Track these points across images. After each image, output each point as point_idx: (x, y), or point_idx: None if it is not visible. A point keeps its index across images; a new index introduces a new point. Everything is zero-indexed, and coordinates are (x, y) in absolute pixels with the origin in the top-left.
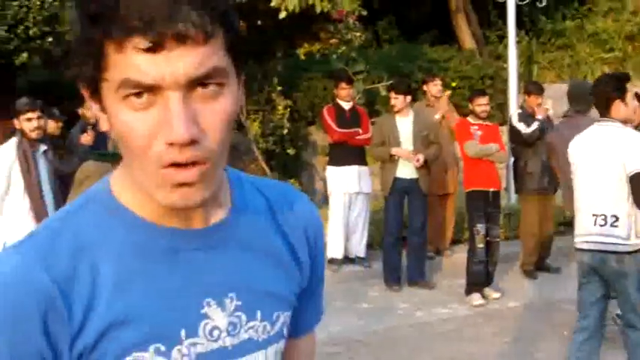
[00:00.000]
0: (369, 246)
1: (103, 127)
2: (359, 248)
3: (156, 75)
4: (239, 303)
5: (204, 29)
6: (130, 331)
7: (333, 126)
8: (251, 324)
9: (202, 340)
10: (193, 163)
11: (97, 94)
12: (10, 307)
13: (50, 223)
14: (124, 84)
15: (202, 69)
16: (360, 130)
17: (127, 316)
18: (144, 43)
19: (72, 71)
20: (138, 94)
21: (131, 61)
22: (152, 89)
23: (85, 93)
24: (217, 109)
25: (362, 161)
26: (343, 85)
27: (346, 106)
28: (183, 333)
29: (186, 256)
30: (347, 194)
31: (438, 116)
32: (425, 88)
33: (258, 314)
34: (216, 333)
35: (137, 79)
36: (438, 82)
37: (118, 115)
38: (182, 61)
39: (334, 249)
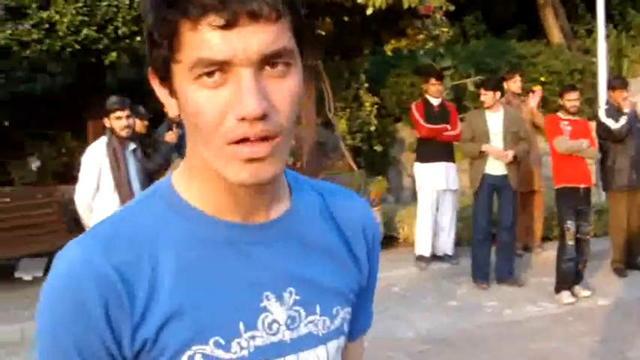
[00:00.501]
0: (457, 243)
1: (172, 112)
2: (447, 246)
3: (229, 51)
4: (298, 297)
5: (276, 7)
6: (191, 324)
7: (422, 122)
8: (310, 318)
9: (261, 333)
10: (264, 139)
11: (166, 80)
12: (72, 297)
13: (112, 216)
14: (197, 62)
15: (273, 47)
16: (449, 127)
17: (187, 309)
18: (218, 20)
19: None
20: (209, 74)
21: (205, 39)
22: (224, 68)
23: (154, 80)
24: (286, 87)
25: (450, 158)
26: (433, 80)
27: (435, 102)
28: (242, 326)
29: (245, 250)
30: (435, 191)
31: (533, 103)
32: (505, 85)
33: (318, 309)
34: (275, 327)
35: (211, 56)
36: (518, 78)
37: (189, 96)
38: (255, 38)
39: (422, 246)
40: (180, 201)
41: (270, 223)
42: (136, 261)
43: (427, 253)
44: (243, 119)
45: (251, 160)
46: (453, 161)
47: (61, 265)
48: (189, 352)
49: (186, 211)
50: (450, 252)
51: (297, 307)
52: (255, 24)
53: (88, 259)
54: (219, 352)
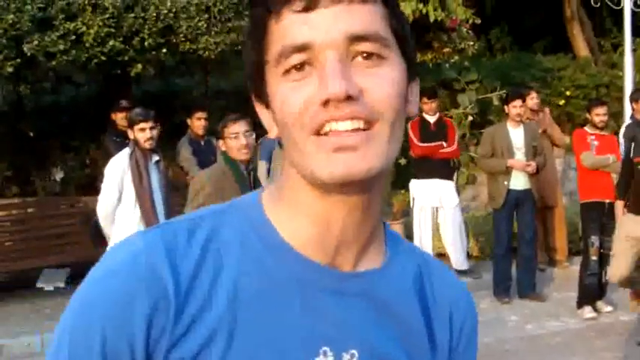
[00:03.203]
0: (479, 257)
1: (271, 133)
2: (459, 262)
3: (310, 33)
4: None
5: None
6: (232, 355)
7: (415, 141)
8: None
9: None
10: (356, 129)
11: (262, 93)
12: (116, 289)
13: (189, 218)
14: (282, 53)
15: (360, 28)
16: (445, 144)
17: (233, 337)
18: (298, 4)
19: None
20: (298, 68)
21: (287, 26)
22: (311, 58)
23: (253, 97)
24: (379, 74)
25: (446, 175)
26: (425, 99)
27: (431, 119)
28: None
29: (316, 295)
30: (429, 208)
31: (546, 121)
32: None
33: None
34: None
35: (291, 42)
36: (534, 95)
37: (278, 93)
38: (338, 18)
39: None
40: (263, 220)
41: (355, 274)
42: (199, 273)
43: None
44: (327, 102)
45: (339, 149)
46: (450, 179)
47: (121, 251)
48: None
49: (266, 233)
50: (462, 267)
51: None
52: (338, 4)
53: (147, 259)
54: None
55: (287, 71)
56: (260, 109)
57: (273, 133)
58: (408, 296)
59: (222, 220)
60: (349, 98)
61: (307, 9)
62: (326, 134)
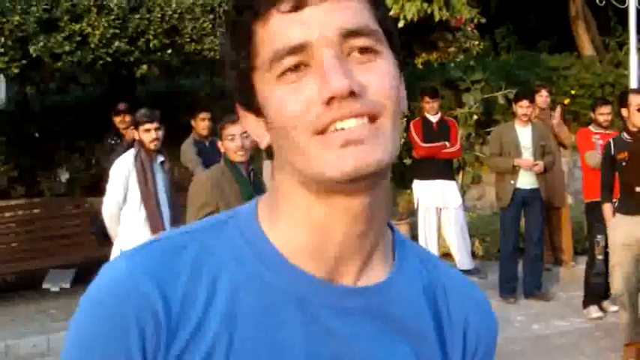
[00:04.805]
0: (485, 257)
1: (263, 144)
2: (462, 262)
3: (303, 32)
4: None
5: None
6: None
7: (418, 141)
8: None
9: None
10: (360, 126)
11: (251, 103)
12: (104, 320)
13: (177, 234)
14: (274, 57)
15: (353, 22)
16: (448, 144)
17: (229, 357)
18: (286, 4)
19: (232, 88)
20: (293, 69)
21: (277, 29)
22: (305, 58)
23: (241, 110)
24: (375, 68)
25: (448, 175)
26: (427, 99)
27: (433, 119)
28: None
29: (317, 312)
30: (433, 208)
31: (555, 120)
32: None
33: None
34: None
35: (285, 43)
36: (544, 93)
37: (272, 97)
38: (331, 15)
39: None
40: (258, 234)
41: (358, 290)
42: (191, 292)
43: None
44: (330, 100)
45: (347, 144)
46: (452, 179)
47: (104, 278)
48: None
49: (262, 248)
50: (466, 267)
51: None
52: (327, 1)
53: (130, 282)
54: None
55: (282, 74)
56: (249, 120)
57: (264, 143)
58: (419, 308)
59: (215, 234)
60: (352, 94)
61: (296, 8)
62: (331, 132)
